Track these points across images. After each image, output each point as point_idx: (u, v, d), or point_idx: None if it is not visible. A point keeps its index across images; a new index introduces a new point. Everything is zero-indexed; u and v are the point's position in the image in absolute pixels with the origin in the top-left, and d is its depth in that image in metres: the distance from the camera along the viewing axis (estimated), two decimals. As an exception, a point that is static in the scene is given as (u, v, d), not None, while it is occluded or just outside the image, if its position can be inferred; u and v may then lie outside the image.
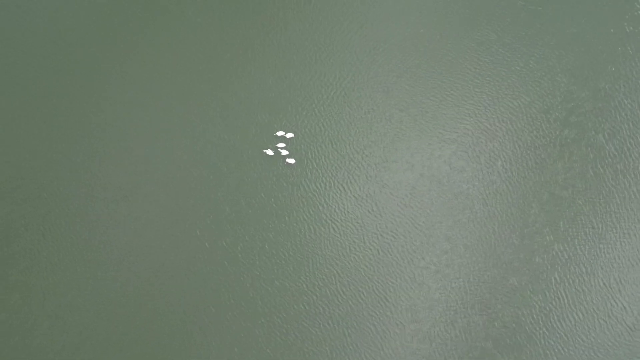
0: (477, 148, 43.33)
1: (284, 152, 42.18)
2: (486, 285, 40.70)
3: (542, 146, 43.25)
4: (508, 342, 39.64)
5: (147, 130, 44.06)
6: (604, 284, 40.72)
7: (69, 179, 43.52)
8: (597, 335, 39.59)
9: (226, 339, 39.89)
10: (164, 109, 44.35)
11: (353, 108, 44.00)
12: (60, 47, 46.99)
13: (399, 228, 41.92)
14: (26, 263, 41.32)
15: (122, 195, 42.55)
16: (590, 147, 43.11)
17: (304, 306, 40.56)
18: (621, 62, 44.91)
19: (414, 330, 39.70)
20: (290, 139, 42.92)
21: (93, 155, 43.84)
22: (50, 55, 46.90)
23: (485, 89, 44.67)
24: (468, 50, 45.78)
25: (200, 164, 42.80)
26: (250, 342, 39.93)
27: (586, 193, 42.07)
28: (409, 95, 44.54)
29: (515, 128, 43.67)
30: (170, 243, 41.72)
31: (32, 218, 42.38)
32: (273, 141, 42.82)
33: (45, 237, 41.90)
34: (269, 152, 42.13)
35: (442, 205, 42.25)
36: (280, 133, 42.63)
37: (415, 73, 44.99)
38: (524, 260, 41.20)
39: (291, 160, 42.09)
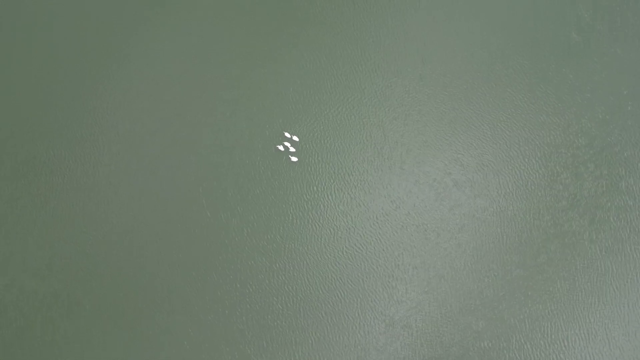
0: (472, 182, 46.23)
1: (292, 149, 45.78)
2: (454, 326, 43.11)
3: (524, 209, 46.03)
4: None
5: (180, 121, 47.36)
6: (569, 341, 42.90)
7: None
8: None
9: (218, 326, 42.92)
10: (196, 107, 47.72)
11: (355, 128, 47.15)
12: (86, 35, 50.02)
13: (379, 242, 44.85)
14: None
15: (149, 172, 45.90)
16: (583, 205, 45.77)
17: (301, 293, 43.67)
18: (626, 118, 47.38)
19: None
20: (295, 142, 46.08)
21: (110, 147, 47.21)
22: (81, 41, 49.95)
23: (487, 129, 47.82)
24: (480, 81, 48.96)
25: (219, 151, 46.27)
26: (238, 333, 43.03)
27: (563, 260, 44.43)
28: (415, 127, 47.50)
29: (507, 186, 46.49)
30: (179, 214, 44.90)
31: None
32: (281, 140, 46.20)
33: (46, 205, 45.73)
34: (280, 147, 45.79)
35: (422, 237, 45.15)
36: (287, 135, 46.30)
37: (420, 110, 47.68)
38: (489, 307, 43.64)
39: (294, 158, 45.59)
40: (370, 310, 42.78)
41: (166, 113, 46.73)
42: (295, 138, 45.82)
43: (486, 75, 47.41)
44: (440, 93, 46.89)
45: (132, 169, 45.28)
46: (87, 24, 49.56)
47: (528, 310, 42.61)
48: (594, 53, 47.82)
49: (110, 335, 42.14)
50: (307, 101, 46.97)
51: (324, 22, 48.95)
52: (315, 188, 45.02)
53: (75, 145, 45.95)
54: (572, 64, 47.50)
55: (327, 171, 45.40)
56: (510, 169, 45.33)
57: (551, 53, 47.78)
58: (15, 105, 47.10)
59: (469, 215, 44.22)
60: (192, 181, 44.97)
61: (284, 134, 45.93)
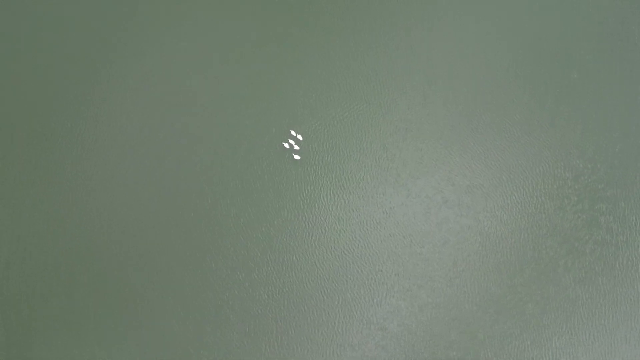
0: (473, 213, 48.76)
1: (296, 147, 48.33)
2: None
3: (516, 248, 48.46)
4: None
5: (192, 114, 49.90)
6: None
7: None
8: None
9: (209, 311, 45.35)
10: (209, 102, 50.27)
11: (357, 136, 49.76)
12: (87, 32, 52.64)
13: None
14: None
15: (154, 158, 48.60)
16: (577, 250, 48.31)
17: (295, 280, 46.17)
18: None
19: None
20: (299, 141, 48.65)
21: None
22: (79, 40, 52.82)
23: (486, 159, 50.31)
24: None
25: (226, 144, 48.76)
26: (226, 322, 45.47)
27: (556, 301, 46.87)
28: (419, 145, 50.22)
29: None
30: (183, 200, 47.60)
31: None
32: (287, 138, 48.72)
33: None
34: (286, 145, 48.29)
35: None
36: (293, 133, 48.78)
37: (420, 127, 50.24)
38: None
39: (297, 157, 48.11)
40: (349, 310, 45.09)
41: (178, 107, 49.18)
42: (299, 137, 48.34)
43: (486, 102, 49.83)
44: (440, 114, 49.31)
45: (140, 154, 47.65)
46: (99, 16, 52.03)
47: (499, 327, 44.87)
48: (591, 94, 50.22)
49: (103, 312, 44.47)
50: (314, 105, 49.44)
51: (337, 33, 51.47)
52: (312, 188, 47.40)
53: (87, 125, 48.36)
54: (569, 101, 49.91)
55: (325, 174, 47.81)
56: (498, 194, 47.68)
57: (550, 88, 50.20)
58: (14, 105, 49.73)
59: (454, 232, 46.57)
60: (197, 170, 47.33)
61: (290, 132, 48.43)
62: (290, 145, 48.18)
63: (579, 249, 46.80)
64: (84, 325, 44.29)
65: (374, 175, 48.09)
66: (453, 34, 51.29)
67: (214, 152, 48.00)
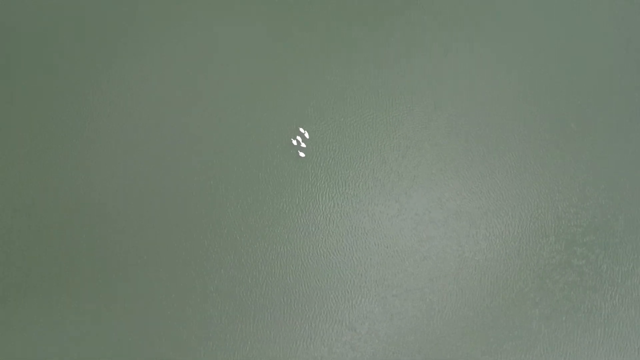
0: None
1: (303, 145, 51.02)
2: None
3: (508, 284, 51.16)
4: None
5: (199, 109, 52.54)
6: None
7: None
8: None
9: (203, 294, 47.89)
10: (226, 102, 52.89)
11: (359, 146, 52.52)
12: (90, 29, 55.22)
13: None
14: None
15: (168, 150, 51.35)
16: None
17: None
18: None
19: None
20: (306, 139, 51.33)
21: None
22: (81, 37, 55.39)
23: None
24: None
25: (233, 138, 51.46)
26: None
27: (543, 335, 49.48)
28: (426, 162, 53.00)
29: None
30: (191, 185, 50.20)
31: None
32: (295, 134, 51.44)
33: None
34: (294, 142, 51.10)
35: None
36: (302, 130, 51.48)
37: (420, 147, 53.13)
38: None
39: (302, 154, 50.75)
40: (324, 306, 47.72)
41: (187, 102, 51.96)
42: (306, 135, 51.19)
43: (485, 137, 52.56)
44: (441, 139, 52.06)
45: (148, 142, 50.38)
46: (101, 14, 55.01)
47: (462, 351, 47.42)
48: (586, 145, 52.88)
49: (92, 283, 47.07)
50: (320, 108, 52.30)
51: (358, 45, 54.35)
52: (310, 186, 50.07)
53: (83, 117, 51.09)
54: (563, 148, 52.61)
55: (325, 175, 50.52)
56: (483, 223, 50.34)
57: (548, 134, 52.92)
58: (13, 105, 52.50)
59: (435, 251, 49.24)
60: (201, 157, 50.00)
61: (299, 129, 51.16)
62: (298, 142, 50.91)
63: (550, 286, 49.43)
64: (74, 288, 46.74)
65: (369, 186, 50.79)
66: (465, 67, 54.00)
67: (220, 145, 50.74)
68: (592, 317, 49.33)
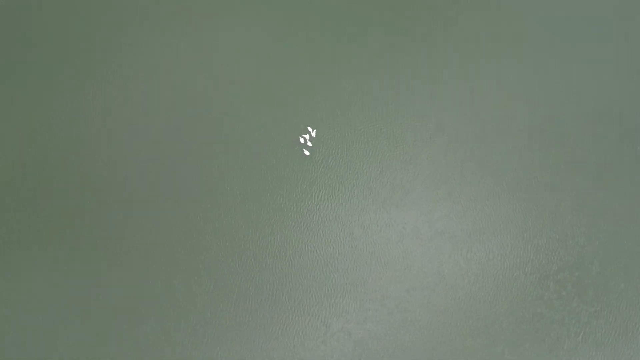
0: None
1: (309, 144, 53.02)
2: None
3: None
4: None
5: (221, 109, 54.16)
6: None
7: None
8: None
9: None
10: (235, 99, 54.17)
11: (360, 154, 54.61)
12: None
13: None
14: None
15: (171, 146, 53.61)
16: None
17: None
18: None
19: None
20: (313, 138, 53.02)
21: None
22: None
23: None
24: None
25: (241, 133, 53.15)
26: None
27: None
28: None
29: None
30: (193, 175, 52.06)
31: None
32: (304, 133, 53.35)
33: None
34: (301, 140, 53.19)
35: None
36: (309, 129, 53.53)
37: (418, 164, 55.52)
38: None
39: (307, 152, 52.84)
40: (303, 300, 49.79)
41: (199, 97, 54.03)
42: (313, 134, 53.34)
43: (482, 164, 54.61)
44: (440, 159, 54.14)
45: (153, 133, 52.46)
46: (101, 14, 57.05)
47: (428, 361, 49.66)
48: (583, 188, 54.98)
49: (84, 253, 49.10)
50: (326, 111, 54.23)
51: (374, 52, 56.55)
52: (309, 185, 52.16)
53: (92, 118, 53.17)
54: (557, 187, 54.71)
55: (325, 175, 52.63)
56: (465, 246, 52.43)
57: (545, 175, 55.04)
58: (12, 104, 54.49)
59: (416, 265, 51.33)
60: (215, 148, 52.08)
61: (307, 128, 53.25)
62: (305, 140, 53.15)
63: (519, 314, 51.57)
64: (63, 240, 48.72)
65: (364, 194, 52.88)
66: (471, 93, 55.99)
67: (226, 138, 52.88)
68: (554, 350, 51.42)
